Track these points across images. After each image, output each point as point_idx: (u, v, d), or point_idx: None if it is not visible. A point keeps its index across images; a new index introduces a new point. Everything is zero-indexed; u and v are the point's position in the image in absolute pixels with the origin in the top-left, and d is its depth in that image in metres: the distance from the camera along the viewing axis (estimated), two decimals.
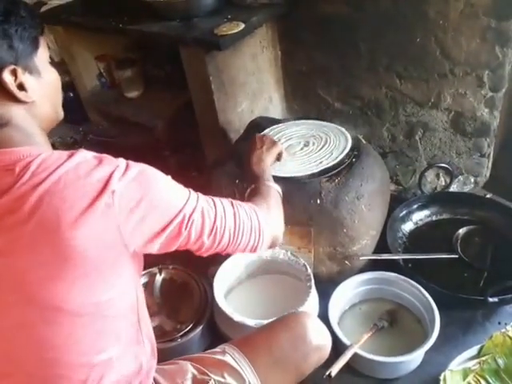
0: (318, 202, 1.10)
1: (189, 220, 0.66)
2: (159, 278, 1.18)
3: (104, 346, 0.65)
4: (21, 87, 0.62)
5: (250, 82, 1.46)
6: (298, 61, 1.49)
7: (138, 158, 0.65)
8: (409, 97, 1.36)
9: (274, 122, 1.34)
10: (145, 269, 1.20)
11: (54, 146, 0.66)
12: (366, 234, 1.16)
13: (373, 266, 1.17)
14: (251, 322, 0.99)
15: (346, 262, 1.16)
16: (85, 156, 0.60)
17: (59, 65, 1.75)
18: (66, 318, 0.60)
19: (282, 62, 1.53)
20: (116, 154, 0.63)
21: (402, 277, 1.10)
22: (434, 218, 1.34)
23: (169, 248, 0.67)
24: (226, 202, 0.76)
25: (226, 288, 1.16)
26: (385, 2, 1.24)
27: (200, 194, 0.72)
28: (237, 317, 1.01)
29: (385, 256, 1.18)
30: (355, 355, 0.98)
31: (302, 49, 1.46)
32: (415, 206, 1.33)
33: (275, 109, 1.59)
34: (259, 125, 1.33)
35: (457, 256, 1.20)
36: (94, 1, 1.64)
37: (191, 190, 0.71)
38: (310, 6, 1.36)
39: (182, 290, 1.18)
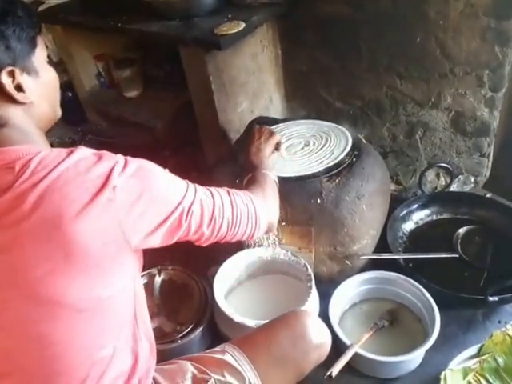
0: (319, 201, 1.11)
1: (188, 212, 0.69)
2: (158, 279, 1.19)
3: (104, 343, 0.66)
4: (19, 88, 0.62)
5: (251, 81, 1.47)
6: (299, 60, 1.51)
7: (137, 158, 0.66)
8: (409, 97, 1.38)
9: (274, 121, 1.35)
10: (144, 270, 1.22)
11: (52, 147, 0.67)
12: (366, 233, 1.18)
13: (373, 265, 1.18)
14: (251, 323, 1.00)
15: (347, 261, 1.18)
16: (84, 153, 0.62)
17: (57, 64, 1.76)
18: (67, 314, 0.61)
19: (283, 61, 1.55)
20: (117, 154, 0.65)
21: (403, 276, 1.11)
22: (434, 217, 1.36)
23: (169, 240, 0.69)
24: (223, 191, 0.79)
25: (226, 288, 1.17)
26: (385, 2, 1.26)
27: (197, 186, 0.74)
28: (237, 317, 1.02)
29: (385, 255, 1.19)
30: (356, 355, 0.99)
31: (302, 48, 1.48)
32: (415, 206, 1.35)
33: (275, 109, 1.61)
34: (259, 125, 1.35)
35: (457, 255, 1.22)
36: (93, 0, 1.65)
37: (189, 182, 0.73)
38: (311, 5, 1.38)
39: (181, 291, 1.19)
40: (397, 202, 1.33)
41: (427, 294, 1.06)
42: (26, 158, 0.59)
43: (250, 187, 0.91)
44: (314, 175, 1.13)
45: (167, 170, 0.69)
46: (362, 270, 1.18)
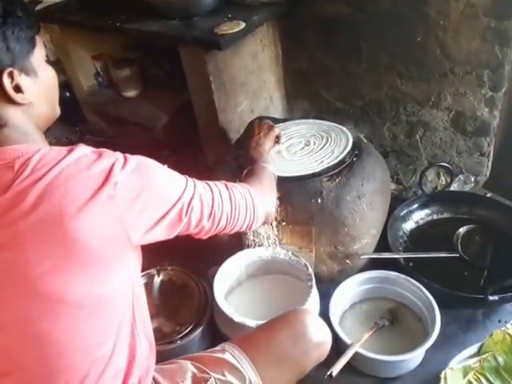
0: (319, 201, 1.13)
1: (188, 207, 0.71)
2: (158, 280, 1.20)
3: (103, 340, 0.67)
4: (17, 89, 0.63)
5: (251, 81, 1.49)
6: (299, 60, 1.53)
7: (136, 155, 0.67)
8: (409, 96, 1.40)
9: (274, 121, 1.36)
10: (143, 270, 1.23)
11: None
12: (366, 233, 1.19)
13: (374, 264, 1.20)
14: (252, 323, 1.01)
15: (347, 261, 1.19)
16: (84, 151, 0.63)
17: (55, 64, 1.77)
18: (67, 312, 0.62)
19: (283, 61, 1.56)
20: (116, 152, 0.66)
21: (403, 276, 1.13)
22: (434, 216, 1.38)
23: (170, 235, 0.71)
24: (221, 185, 0.81)
25: (226, 289, 1.19)
26: (385, 2, 1.28)
27: (196, 180, 0.76)
28: (237, 317, 1.03)
29: (386, 255, 1.21)
30: (356, 354, 1.01)
31: (303, 48, 1.50)
32: (416, 205, 1.37)
33: (276, 108, 1.63)
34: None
35: (457, 255, 1.24)
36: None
37: (188, 177, 0.75)
38: (311, 5, 1.40)
39: (181, 292, 1.20)
40: (397, 201, 1.35)
41: (427, 294, 1.08)
42: (25, 157, 0.60)
43: (247, 179, 0.94)
44: (314, 175, 1.14)
45: (166, 166, 0.71)
46: (363, 269, 1.20)
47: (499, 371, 1.00)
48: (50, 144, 0.69)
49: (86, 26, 1.58)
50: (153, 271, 1.21)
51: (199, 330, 1.09)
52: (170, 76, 1.73)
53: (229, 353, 0.82)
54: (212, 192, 0.77)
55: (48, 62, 0.71)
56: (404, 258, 1.21)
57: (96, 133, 1.87)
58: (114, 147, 0.66)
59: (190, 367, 0.80)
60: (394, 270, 1.15)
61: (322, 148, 1.23)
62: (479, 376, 1.00)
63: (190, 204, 0.71)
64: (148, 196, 0.64)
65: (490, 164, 1.44)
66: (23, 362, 0.64)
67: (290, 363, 0.83)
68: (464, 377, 1.00)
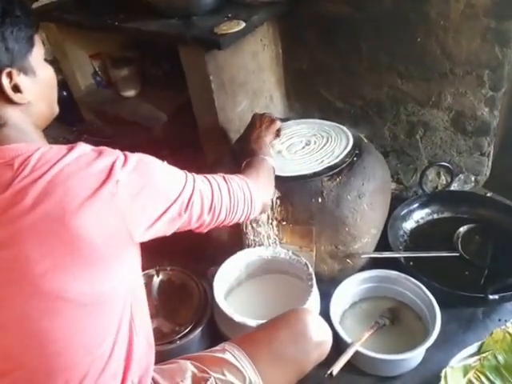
0: (320, 200, 1.15)
1: (188, 202, 0.73)
2: (157, 280, 1.22)
3: (104, 338, 0.68)
4: (16, 89, 0.65)
5: (251, 80, 1.51)
6: (300, 59, 1.56)
7: (135, 153, 0.68)
8: (410, 96, 1.43)
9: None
10: (142, 270, 1.25)
11: None
12: (367, 232, 1.22)
13: (374, 264, 1.23)
14: (252, 323, 1.02)
15: (348, 260, 1.22)
16: (84, 149, 0.64)
17: (51, 63, 1.77)
18: (69, 309, 0.63)
19: (283, 60, 1.59)
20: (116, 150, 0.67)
21: (403, 275, 1.16)
22: (434, 216, 1.41)
23: (170, 230, 0.73)
24: (219, 178, 0.84)
25: (226, 288, 1.21)
26: (386, 2, 1.31)
27: (195, 175, 0.78)
28: (237, 317, 1.05)
29: (386, 254, 1.24)
30: (357, 353, 1.03)
31: (303, 47, 1.52)
32: (416, 205, 1.40)
33: (276, 108, 1.65)
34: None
35: (457, 254, 1.27)
36: None
37: (187, 173, 0.77)
38: (311, 5, 1.42)
39: (180, 292, 1.22)
40: (398, 200, 1.38)
41: (428, 293, 1.11)
42: (24, 156, 0.61)
43: (245, 171, 0.97)
44: (314, 174, 1.17)
45: (165, 162, 0.73)
46: (363, 268, 1.22)
47: (499, 370, 1.03)
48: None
49: (83, 25, 1.59)
50: (152, 271, 1.22)
51: (199, 330, 1.10)
52: (169, 76, 1.75)
53: (229, 352, 0.83)
54: (211, 186, 0.80)
55: (46, 60, 0.72)
56: (404, 258, 1.24)
57: (94, 132, 1.88)
58: (113, 147, 0.68)
59: (189, 367, 0.81)
60: (395, 269, 1.18)
61: (322, 147, 1.25)
62: (479, 375, 1.03)
63: (190, 199, 0.73)
64: (149, 193, 0.66)
65: (490, 164, 1.47)
66: (23, 361, 0.64)
67: (290, 363, 0.84)
68: (464, 375, 1.02)
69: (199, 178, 0.79)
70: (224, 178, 0.85)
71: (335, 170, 1.17)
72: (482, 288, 1.14)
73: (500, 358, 1.04)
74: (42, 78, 0.69)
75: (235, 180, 0.86)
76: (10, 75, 0.63)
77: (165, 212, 0.69)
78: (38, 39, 0.69)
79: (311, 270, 1.15)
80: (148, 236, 0.69)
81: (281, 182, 1.15)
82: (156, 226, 0.68)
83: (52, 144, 0.66)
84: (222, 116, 1.45)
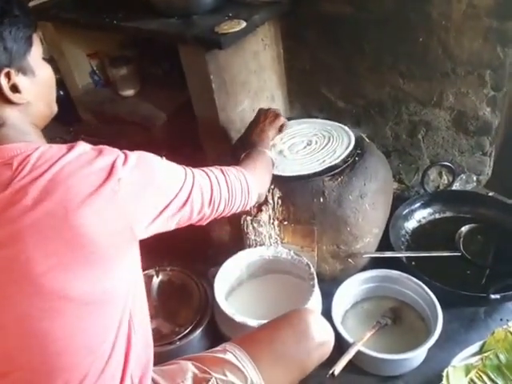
0: (322, 200, 1.18)
1: (189, 197, 0.76)
2: (156, 280, 1.24)
3: (105, 338, 0.68)
4: (14, 89, 0.66)
5: (252, 80, 1.54)
6: (301, 59, 1.59)
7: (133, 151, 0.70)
8: (412, 96, 1.46)
9: None
10: (142, 271, 1.26)
11: None
12: (369, 232, 1.25)
13: (376, 264, 1.26)
14: (253, 323, 1.04)
15: (350, 260, 1.25)
16: (84, 148, 0.66)
17: (48, 62, 1.79)
18: (71, 308, 0.64)
19: (285, 60, 1.62)
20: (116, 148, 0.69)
21: (405, 274, 1.18)
22: (436, 216, 1.44)
23: (172, 225, 0.75)
24: (217, 170, 0.87)
25: (227, 289, 1.23)
26: (388, 2, 1.34)
27: (193, 169, 0.81)
28: (238, 317, 1.06)
29: (388, 254, 1.27)
30: (358, 353, 1.05)
31: (304, 47, 1.55)
32: (418, 205, 1.43)
33: (277, 107, 1.66)
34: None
35: (459, 254, 1.30)
36: None
37: (186, 168, 0.79)
38: (313, 4, 1.45)
39: (180, 292, 1.23)
40: (399, 200, 1.41)
41: (429, 292, 1.13)
42: (23, 155, 0.62)
43: (243, 162, 1.01)
44: (316, 174, 1.19)
45: (164, 158, 0.75)
46: (365, 268, 1.25)
47: (501, 369, 1.06)
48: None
49: (81, 24, 1.59)
50: (152, 272, 1.24)
51: (199, 331, 1.12)
52: (168, 75, 1.77)
53: (230, 353, 0.84)
54: (210, 179, 0.83)
55: (44, 60, 0.73)
56: (406, 257, 1.27)
57: (91, 133, 1.89)
58: (111, 147, 0.69)
59: (190, 367, 0.82)
60: (397, 268, 1.21)
61: (324, 147, 1.28)
62: (481, 374, 1.05)
63: (190, 194, 0.76)
64: (151, 189, 0.68)
65: (491, 163, 1.50)
66: (23, 362, 0.65)
67: (292, 363, 0.86)
68: (466, 375, 1.04)
69: (198, 172, 0.82)
70: (222, 170, 0.88)
71: (337, 170, 1.20)
72: (483, 287, 1.17)
73: (502, 357, 1.07)
74: (41, 78, 0.70)
75: (232, 172, 0.90)
76: (8, 75, 0.65)
77: (166, 207, 0.71)
78: (36, 38, 0.70)
79: (313, 269, 1.17)
80: (150, 232, 0.71)
81: (282, 181, 1.18)
82: (157, 222, 0.70)
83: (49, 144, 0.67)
84: (222, 116, 1.48)
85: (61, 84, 1.83)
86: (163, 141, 1.62)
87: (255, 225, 1.24)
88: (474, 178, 1.51)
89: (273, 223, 1.24)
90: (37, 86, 0.69)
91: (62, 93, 1.86)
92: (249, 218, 1.22)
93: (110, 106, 1.79)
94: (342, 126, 1.35)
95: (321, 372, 0.98)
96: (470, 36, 1.29)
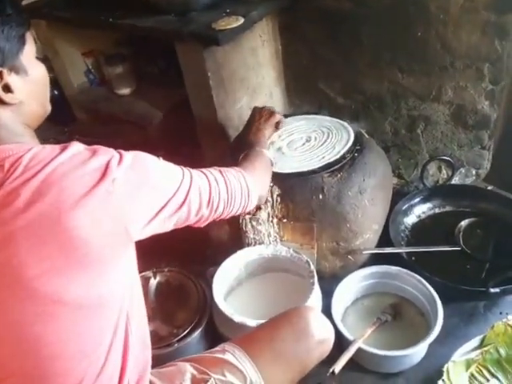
0: (321, 197, 1.20)
1: (186, 197, 0.75)
2: (154, 282, 1.25)
3: (100, 341, 0.68)
4: (7, 89, 0.65)
5: (250, 77, 1.54)
6: (299, 55, 1.60)
7: (129, 151, 0.70)
8: (410, 90, 1.48)
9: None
10: (139, 272, 1.26)
11: None
12: (368, 228, 1.27)
13: (376, 259, 1.28)
14: (252, 323, 1.04)
15: (349, 256, 1.27)
16: (78, 148, 0.65)
17: (42, 61, 1.78)
18: (66, 312, 0.63)
19: (283, 56, 1.63)
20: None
21: (405, 270, 1.20)
22: (436, 210, 1.46)
23: (169, 226, 0.75)
24: (216, 172, 0.87)
25: (226, 288, 1.24)
26: None
27: (192, 170, 0.81)
28: (237, 318, 1.07)
29: (388, 250, 1.29)
30: (359, 350, 1.07)
31: (303, 43, 1.56)
32: (417, 199, 1.45)
33: (276, 104, 1.68)
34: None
35: (459, 248, 1.32)
36: None
37: (183, 168, 0.79)
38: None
39: (178, 293, 1.24)
40: (399, 195, 1.44)
41: (429, 287, 1.15)
42: (16, 156, 0.61)
43: (242, 163, 1.01)
44: (315, 171, 1.21)
45: (161, 158, 0.75)
46: (365, 264, 1.27)
47: (501, 363, 1.08)
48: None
49: (74, 22, 1.60)
50: (149, 273, 1.25)
51: (197, 332, 1.13)
52: (164, 73, 1.78)
53: (229, 353, 0.85)
54: (208, 180, 0.82)
55: (37, 59, 0.72)
56: (406, 253, 1.29)
57: (87, 132, 1.89)
58: (107, 147, 0.69)
59: (188, 369, 0.82)
60: (396, 264, 1.23)
61: (323, 144, 1.30)
62: (481, 368, 1.08)
63: (188, 194, 0.75)
64: (146, 190, 0.68)
65: (490, 157, 1.52)
66: (15, 367, 0.65)
67: (292, 361, 0.86)
68: (466, 369, 1.07)
69: (196, 172, 0.81)
70: (220, 171, 0.88)
71: (336, 166, 1.22)
72: (483, 281, 1.19)
73: (502, 351, 1.09)
74: (34, 77, 0.70)
75: (231, 173, 0.89)
76: (0, 75, 0.65)
77: (163, 208, 0.71)
78: (29, 37, 0.69)
79: (313, 267, 1.19)
80: (146, 233, 0.70)
81: (281, 179, 1.20)
82: (154, 223, 0.70)
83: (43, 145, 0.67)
84: (220, 113, 1.49)
85: (55, 83, 1.83)
86: (160, 140, 1.63)
87: (254, 223, 1.25)
88: (473, 172, 1.53)
89: (272, 221, 1.26)
90: (30, 85, 0.69)
91: (56, 92, 1.86)
92: (248, 217, 1.24)
93: (105, 105, 1.80)
94: (341, 121, 1.37)
95: (321, 370, 0.99)
96: (468, 30, 1.30)
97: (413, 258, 1.29)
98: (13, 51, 0.66)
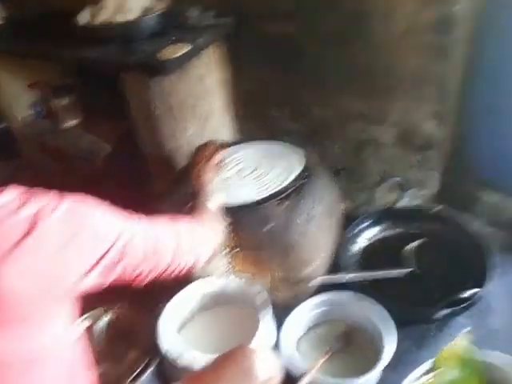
0: (269, 226, 1.21)
1: (126, 248, 0.73)
2: (104, 320, 1.23)
3: None
4: None
5: (199, 104, 1.56)
6: (247, 81, 1.63)
7: (76, 194, 0.70)
8: (357, 114, 1.53)
9: (223, 145, 1.44)
10: (88, 311, 1.24)
11: None
12: (318, 255, 1.29)
13: (327, 286, 1.29)
14: (198, 366, 1.02)
15: (300, 285, 1.28)
16: (11, 195, 0.64)
17: None
18: None
19: (231, 82, 1.66)
20: (51, 191, 0.69)
21: (357, 295, 1.22)
22: (386, 233, 1.49)
23: (106, 279, 0.72)
24: (165, 223, 0.86)
25: (178, 323, 1.23)
26: (329, 21, 1.40)
27: (137, 219, 0.80)
28: (181, 362, 1.06)
29: (338, 277, 1.30)
30: (312, 381, 1.07)
31: (250, 68, 1.60)
32: (367, 223, 1.48)
33: (226, 131, 1.71)
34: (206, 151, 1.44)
35: (410, 270, 1.34)
36: (24, 24, 1.68)
37: (129, 216, 0.78)
38: (257, 25, 1.50)
39: (128, 332, 1.22)
40: (349, 220, 1.46)
41: (381, 312, 1.17)
42: None
43: (188, 218, 1.00)
44: (263, 200, 1.22)
45: (107, 202, 0.74)
46: (317, 291, 1.28)
47: None
48: None
49: (19, 53, 1.60)
50: (98, 312, 1.23)
51: (148, 373, 1.11)
52: (111, 103, 1.76)
53: None
54: (154, 231, 0.81)
55: None
56: (357, 278, 1.30)
57: (32, 167, 1.86)
58: (52, 183, 0.69)
59: None
60: (348, 289, 1.24)
61: (271, 171, 1.31)
62: None
63: (127, 245, 0.73)
64: (81, 239, 0.66)
65: (439, 177, 1.58)
66: None
67: None
68: None
69: (142, 222, 0.80)
70: (169, 224, 0.87)
71: (284, 194, 1.23)
72: (433, 303, 1.22)
73: (452, 373, 1.10)
74: None
75: (180, 227, 0.89)
76: None
77: (101, 259, 0.69)
78: None
79: (264, 298, 1.19)
80: (84, 286, 0.69)
81: (230, 209, 1.20)
82: (92, 275, 0.68)
83: None
84: (169, 143, 1.50)
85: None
86: (108, 172, 1.62)
87: None
88: (422, 193, 1.58)
89: (223, 251, 1.26)
90: None
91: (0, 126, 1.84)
92: None
93: (51, 138, 1.78)
94: (291, 146, 1.39)
95: None
96: (411, 52, 1.36)
97: (364, 283, 1.30)
98: None
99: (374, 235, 1.49)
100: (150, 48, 1.38)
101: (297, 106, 1.61)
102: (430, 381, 1.10)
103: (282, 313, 1.23)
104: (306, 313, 1.24)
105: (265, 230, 1.21)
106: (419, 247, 1.41)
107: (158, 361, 1.14)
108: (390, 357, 1.08)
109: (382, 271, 1.33)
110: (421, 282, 1.32)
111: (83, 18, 1.50)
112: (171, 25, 1.49)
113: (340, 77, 1.49)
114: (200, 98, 1.56)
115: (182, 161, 1.53)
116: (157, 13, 1.49)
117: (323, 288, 1.29)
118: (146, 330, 1.19)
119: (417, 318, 1.23)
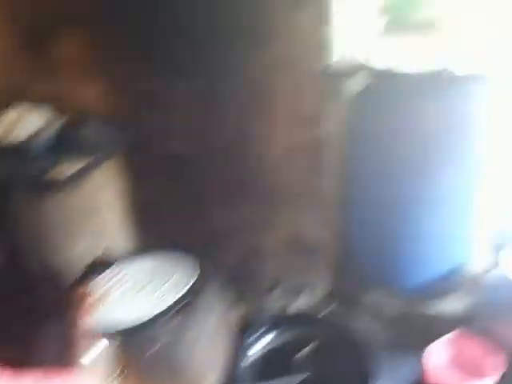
0: (157, 348, 1.21)
1: None
2: None
3: None
4: None
5: (93, 217, 1.57)
6: (143, 195, 1.70)
7: None
8: (245, 224, 1.64)
9: (114, 261, 1.45)
10: None
11: None
12: (211, 371, 1.30)
13: None
14: None
15: None
16: None
17: None
18: None
19: (127, 197, 1.71)
20: None
21: None
22: (279, 339, 1.54)
23: None
24: None
25: None
26: (218, 143, 1.54)
27: None
28: None
29: None
30: None
31: (147, 184, 1.68)
32: (261, 331, 1.52)
33: (120, 245, 1.70)
34: (99, 265, 1.45)
35: (305, 374, 1.38)
36: None
37: None
38: (153, 143, 1.61)
39: None
40: (242, 329, 1.49)
41: None
42: None
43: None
44: (149, 321, 1.21)
45: None
46: None
47: None
48: None
49: None
50: None
51: None
52: None
53: None
54: None
55: None
56: None
57: None
58: None
59: None
60: None
61: (162, 286, 1.33)
62: None
63: None
64: None
65: (327, 279, 1.70)
66: None
67: None
68: None
69: None
70: None
71: (172, 312, 1.24)
72: None
73: None
74: None
75: None
76: None
77: None
78: None
79: None
80: None
81: (114, 335, 1.19)
82: None
83: None
84: (58, 259, 1.47)
85: None
86: None
87: None
88: (315, 295, 1.68)
89: (108, 379, 1.22)
90: None
91: None
92: None
93: None
94: (183, 259, 1.42)
95: None
96: (292, 167, 1.54)
97: None
98: None
99: (268, 343, 1.53)
100: (41, 165, 1.40)
101: (190, 220, 1.69)
102: None
103: None
104: None
105: (152, 351, 1.21)
106: (313, 351, 1.46)
107: None
108: None
109: (279, 380, 1.36)
110: None
111: None
112: (68, 141, 1.53)
113: (228, 191, 1.63)
114: (94, 211, 1.59)
115: (72, 278, 1.51)
116: (52, 130, 1.53)
117: None
118: None
119: None
